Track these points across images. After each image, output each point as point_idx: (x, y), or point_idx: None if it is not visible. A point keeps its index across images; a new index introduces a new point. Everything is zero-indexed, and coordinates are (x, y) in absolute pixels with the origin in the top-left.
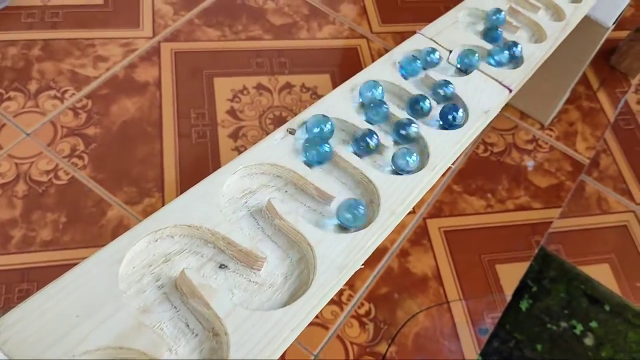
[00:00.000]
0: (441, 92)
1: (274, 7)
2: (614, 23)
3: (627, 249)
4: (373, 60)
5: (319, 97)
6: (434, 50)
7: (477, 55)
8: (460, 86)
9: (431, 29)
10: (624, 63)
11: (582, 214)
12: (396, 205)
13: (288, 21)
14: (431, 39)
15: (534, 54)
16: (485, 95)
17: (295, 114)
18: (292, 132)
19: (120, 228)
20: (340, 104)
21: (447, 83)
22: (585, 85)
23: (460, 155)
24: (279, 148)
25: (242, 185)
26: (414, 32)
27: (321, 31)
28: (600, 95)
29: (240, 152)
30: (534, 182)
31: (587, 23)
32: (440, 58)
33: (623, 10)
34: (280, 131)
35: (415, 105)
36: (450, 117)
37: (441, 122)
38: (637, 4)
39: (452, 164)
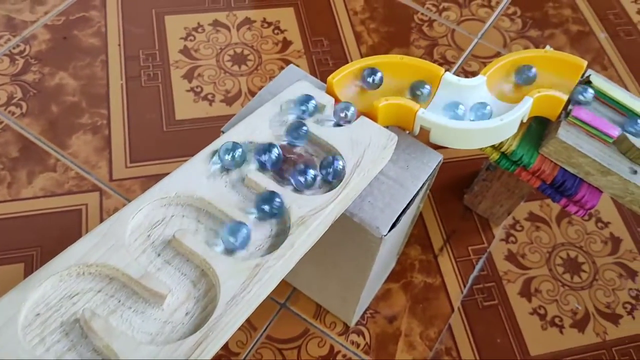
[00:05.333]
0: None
1: None
2: (389, 230)
3: None
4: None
5: None
6: None
7: None
8: None
9: None
10: (480, 206)
11: None
12: None
13: None
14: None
15: None
16: None
17: None
18: None
19: None
20: None
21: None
22: (422, 245)
23: None
24: None
25: None
26: None
27: (31, 185)
28: (444, 261)
29: None
30: None
31: (358, 228)
32: None
33: (400, 215)
34: None
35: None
36: None
37: None
38: None
39: None
